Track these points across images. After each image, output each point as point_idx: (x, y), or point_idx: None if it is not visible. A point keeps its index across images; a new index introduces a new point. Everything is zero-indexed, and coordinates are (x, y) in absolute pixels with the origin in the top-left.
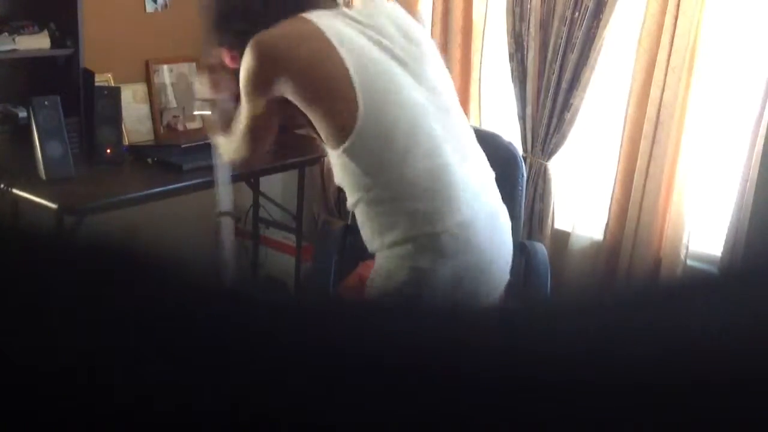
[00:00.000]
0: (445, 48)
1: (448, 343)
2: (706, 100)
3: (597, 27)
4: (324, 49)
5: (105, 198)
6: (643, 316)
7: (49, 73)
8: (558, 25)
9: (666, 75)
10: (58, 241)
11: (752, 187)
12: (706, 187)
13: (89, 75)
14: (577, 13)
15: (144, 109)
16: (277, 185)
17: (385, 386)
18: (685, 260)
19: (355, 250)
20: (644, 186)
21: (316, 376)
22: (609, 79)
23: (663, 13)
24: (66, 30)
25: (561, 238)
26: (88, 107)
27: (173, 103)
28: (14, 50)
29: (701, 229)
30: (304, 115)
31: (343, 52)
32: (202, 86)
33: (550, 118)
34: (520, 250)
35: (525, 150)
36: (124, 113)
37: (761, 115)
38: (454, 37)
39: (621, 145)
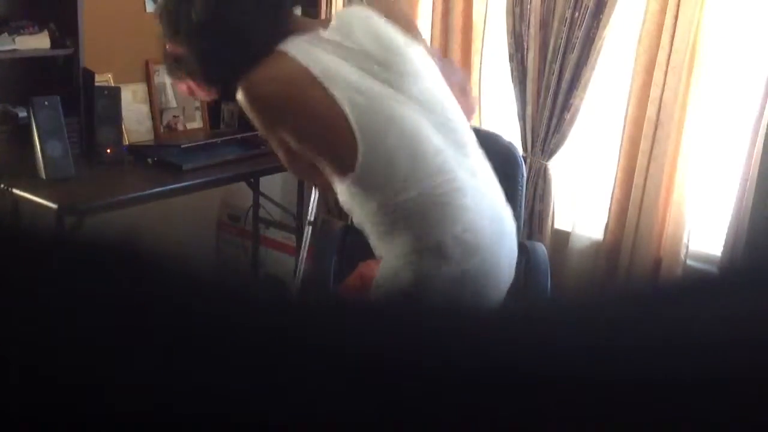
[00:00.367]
0: (445, 48)
1: (447, 340)
2: (706, 100)
3: (597, 27)
4: (315, 93)
5: (105, 198)
6: (642, 314)
7: (49, 73)
8: (558, 25)
9: (666, 75)
10: (58, 240)
11: (752, 187)
12: (706, 187)
13: (89, 75)
14: (577, 13)
15: (144, 109)
16: (277, 185)
17: (385, 384)
18: (685, 260)
19: (355, 250)
20: (644, 186)
21: (316, 375)
22: (609, 79)
23: (663, 12)
24: (66, 30)
25: (561, 238)
26: (88, 107)
27: (173, 103)
28: (14, 50)
29: (701, 229)
30: None
31: (334, 91)
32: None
33: (550, 118)
34: (520, 250)
35: (525, 150)
36: (124, 113)
37: (761, 114)
38: (454, 37)
39: (621, 145)
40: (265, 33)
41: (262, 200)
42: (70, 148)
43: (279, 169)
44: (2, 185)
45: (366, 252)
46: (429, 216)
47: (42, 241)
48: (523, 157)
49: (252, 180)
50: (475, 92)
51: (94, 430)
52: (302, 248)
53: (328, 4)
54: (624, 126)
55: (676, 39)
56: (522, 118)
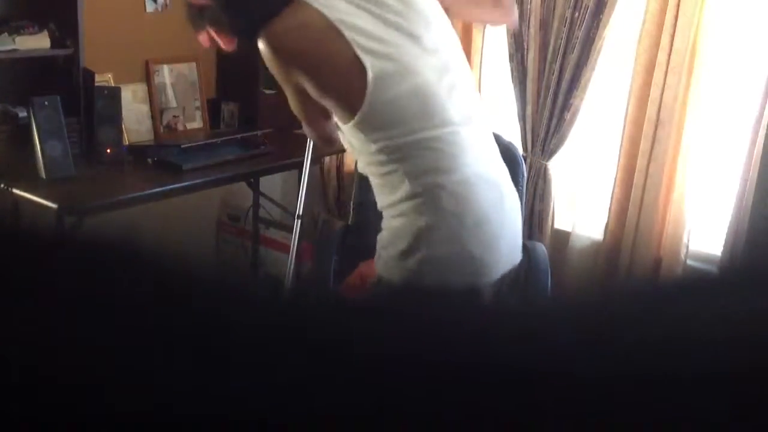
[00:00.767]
0: None
1: (446, 338)
2: (706, 100)
3: (597, 27)
4: (331, 38)
5: (105, 198)
6: (642, 313)
7: (49, 73)
8: (558, 25)
9: (666, 75)
10: (58, 240)
11: (752, 187)
12: (706, 186)
13: (89, 75)
14: (577, 13)
15: (144, 109)
16: (277, 185)
17: (384, 382)
18: (685, 260)
19: (355, 250)
20: (644, 186)
21: (316, 373)
22: (609, 79)
23: (663, 13)
24: (66, 30)
25: (561, 238)
26: (88, 107)
27: (173, 103)
28: (14, 50)
29: (701, 228)
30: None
31: (350, 37)
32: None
33: (550, 118)
34: (520, 250)
35: (525, 150)
36: (124, 113)
37: (761, 115)
38: None
39: (621, 145)
40: None
41: (262, 200)
42: (70, 148)
43: (279, 169)
44: (2, 185)
45: (366, 252)
46: (426, 163)
47: (42, 241)
48: (523, 157)
49: (252, 180)
50: (474, 92)
51: (94, 431)
52: (292, 243)
53: None
54: (624, 126)
55: (676, 39)
56: (522, 118)
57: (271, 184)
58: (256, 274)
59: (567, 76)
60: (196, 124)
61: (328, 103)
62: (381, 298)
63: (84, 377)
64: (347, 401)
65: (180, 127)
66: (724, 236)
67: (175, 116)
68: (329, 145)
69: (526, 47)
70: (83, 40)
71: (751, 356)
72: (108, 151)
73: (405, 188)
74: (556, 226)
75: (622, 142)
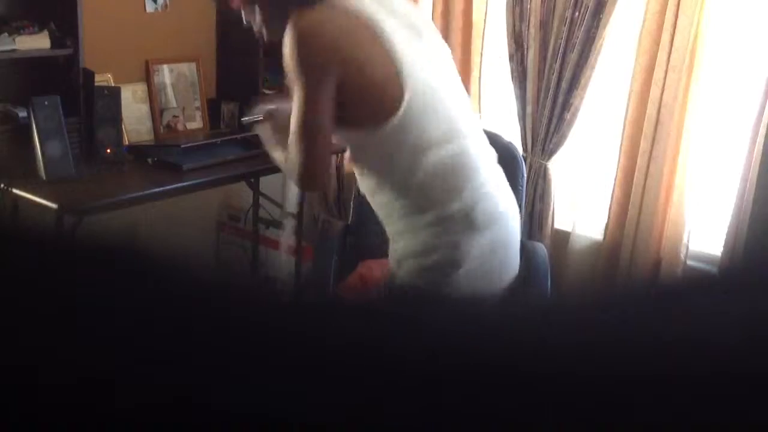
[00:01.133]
0: None
1: (446, 339)
2: (706, 99)
3: (597, 27)
4: (367, 37)
5: (105, 198)
6: (643, 313)
7: (49, 73)
8: (558, 25)
9: (666, 75)
10: (59, 240)
11: (752, 187)
12: (706, 187)
13: (89, 75)
14: (577, 13)
15: (144, 109)
16: (277, 185)
17: (385, 383)
18: (685, 260)
19: (355, 250)
20: (644, 186)
21: (316, 373)
22: (609, 79)
23: (663, 12)
24: (66, 30)
25: (561, 238)
26: (88, 107)
27: (173, 103)
28: (14, 50)
29: (701, 229)
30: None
31: (385, 38)
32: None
33: (550, 118)
34: (520, 250)
35: (525, 150)
36: (124, 113)
37: (761, 114)
38: (454, 37)
39: (621, 145)
40: None
41: (262, 200)
42: (70, 148)
43: (279, 169)
44: (2, 185)
45: (366, 252)
46: (451, 180)
47: (42, 241)
48: (523, 157)
49: (252, 180)
50: (475, 92)
51: (93, 430)
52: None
53: None
54: (624, 126)
55: (676, 39)
56: (522, 118)
57: (271, 184)
58: (256, 274)
59: (567, 75)
60: (196, 124)
61: (359, 102)
62: (385, 302)
63: (84, 377)
64: (347, 401)
65: (180, 127)
66: (724, 236)
67: (175, 116)
68: (321, 178)
69: (526, 47)
70: (83, 40)
71: (750, 357)
72: (108, 151)
73: (432, 213)
74: (556, 226)
75: (622, 141)
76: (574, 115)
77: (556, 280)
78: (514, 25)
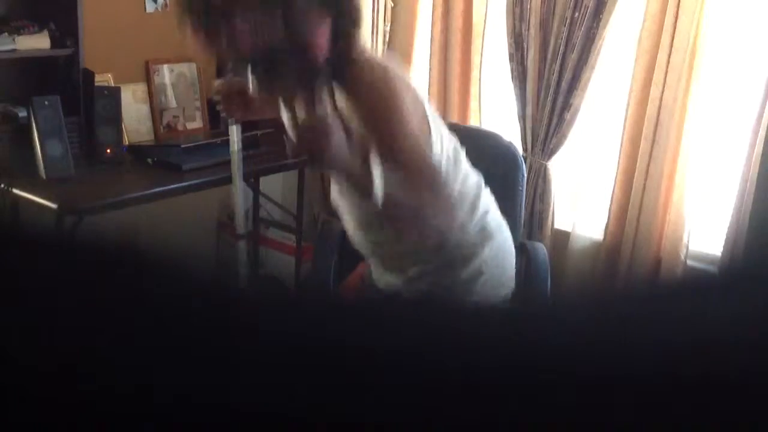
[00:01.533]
0: (445, 48)
1: (446, 340)
2: (706, 99)
3: (597, 27)
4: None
5: (105, 198)
6: (643, 313)
7: (49, 73)
8: (558, 25)
9: (666, 75)
10: (59, 240)
11: (752, 187)
12: (706, 187)
13: (89, 75)
14: (577, 13)
15: (144, 109)
16: (277, 185)
17: (385, 383)
18: (685, 260)
19: (355, 251)
20: (644, 186)
21: (316, 373)
22: (609, 79)
23: (663, 13)
24: (66, 30)
25: (561, 238)
26: (88, 107)
27: (173, 103)
28: (14, 50)
29: (701, 229)
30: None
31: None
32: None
33: (550, 118)
34: (520, 250)
35: (525, 150)
36: (124, 113)
37: (761, 115)
38: (454, 37)
39: (621, 145)
40: None
41: (262, 200)
42: (70, 148)
43: (279, 169)
44: (2, 185)
45: None
46: (467, 201)
47: (42, 241)
48: (523, 157)
49: (252, 180)
50: (475, 92)
51: (93, 430)
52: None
53: None
54: (624, 126)
55: (676, 39)
56: (522, 118)
57: (271, 184)
58: (256, 274)
59: (567, 76)
60: (196, 124)
61: (415, 132)
62: (381, 301)
63: (83, 377)
64: (347, 401)
65: (180, 127)
66: (724, 236)
67: (175, 116)
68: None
69: (526, 47)
70: (83, 40)
71: (750, 357)
72: (108, 151)
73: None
74: (556, 226)
75: (622, 142)
76: (574, 116)
77: (556, 280)
78: (514, 26)
